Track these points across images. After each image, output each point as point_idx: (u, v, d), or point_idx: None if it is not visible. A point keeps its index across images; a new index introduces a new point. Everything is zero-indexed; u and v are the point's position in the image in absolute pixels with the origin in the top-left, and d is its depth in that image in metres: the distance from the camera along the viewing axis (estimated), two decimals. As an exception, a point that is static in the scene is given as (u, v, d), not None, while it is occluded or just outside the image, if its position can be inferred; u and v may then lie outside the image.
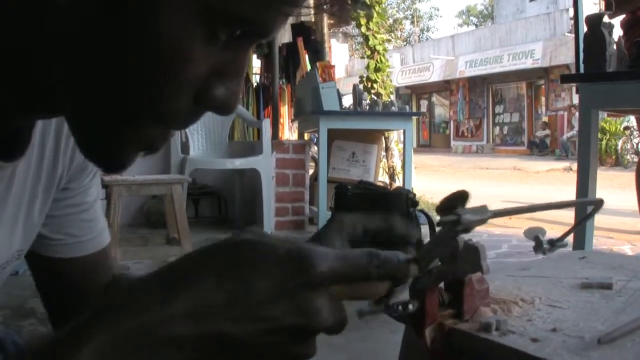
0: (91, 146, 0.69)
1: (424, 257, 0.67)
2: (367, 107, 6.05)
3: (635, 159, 19.48)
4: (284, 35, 8.55)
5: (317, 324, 0.59)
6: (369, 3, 8.04)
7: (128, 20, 0.58)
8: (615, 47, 3.16)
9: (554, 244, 0.84)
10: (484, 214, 0.66)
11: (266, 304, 0.58)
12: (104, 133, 0.66)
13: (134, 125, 0.65)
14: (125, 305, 0.57)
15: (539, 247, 0.85)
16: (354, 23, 8.74)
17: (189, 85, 0.63)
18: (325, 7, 0.67)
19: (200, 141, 6.01)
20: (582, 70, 3.26)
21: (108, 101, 0.63)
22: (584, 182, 3.19)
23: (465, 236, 0.71)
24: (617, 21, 3.73)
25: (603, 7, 3.40)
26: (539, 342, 0.71)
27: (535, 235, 0.84)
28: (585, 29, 3.19)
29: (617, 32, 3.21)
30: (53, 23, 0.60)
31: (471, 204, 0.66)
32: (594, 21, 3.12)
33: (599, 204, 0.87)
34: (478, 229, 0.76)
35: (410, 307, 0.68)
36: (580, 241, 3.12)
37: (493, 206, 0.67)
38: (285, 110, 8.95)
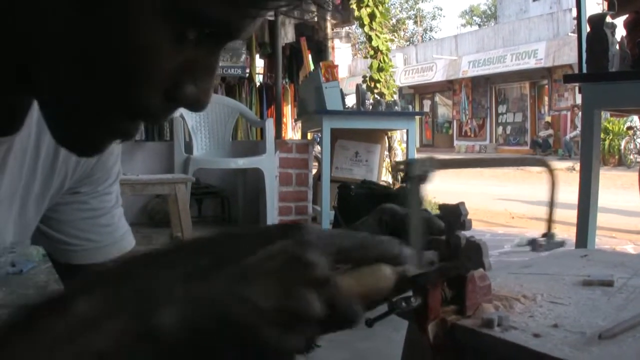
0: (65, 133, 0.71)
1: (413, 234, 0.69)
2: (370, 107, 6.06)
3: (639, 159, 19.47)
4: (287, 35, 8.55)
5: (306, 306, 0.55)
6: (357, 5, 8.05)
7: (99, 20, 0.61)
8: (617, 47, 3.16)
9: (548, 238, 0.85)
10: (433, 164, 0.69)
11: (259, 275, 0.56)
12: (78, 122, 0.68)
13: (107, 116, 0.67)
14: (125, 268, 0.59)
15: (534, 244, 0.85)
16: (357, 23, 8.74)
17: (158, 82, 0.65)
18: (295, 8, 0.67)
19: (204, 141, 6.02)
20: (584, 70, 3.27)
21: (82, 93, 0.65)
22: (587, 182, 3.20)
23: (467, 233, 0.72)
24: (620, 21, 3.73)
25: (606, 7, 3.40)
26: (540, 337, 0.71)
27: (530, 239, 0.84)
28: (588, 29, 3.19)
29: (620, 32, 3.22)
30: (30, 19, 0.63)
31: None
32: (597, 21, 3.12)
33: (542, 163, 0.88)
34: (480, 228, 0.77)
35: (413, 301, 0.68)
36: (583, 240, 3.12)
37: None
38: (288, 110, 8.96)
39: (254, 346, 0.54)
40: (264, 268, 0.55)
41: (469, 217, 0.75)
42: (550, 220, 0.84)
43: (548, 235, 0.83)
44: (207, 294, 0.53)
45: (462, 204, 0.72)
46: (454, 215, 0.73)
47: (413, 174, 0.69)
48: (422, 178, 0.69)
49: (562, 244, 0.91)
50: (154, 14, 0.61)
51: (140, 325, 0.51)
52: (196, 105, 0.69)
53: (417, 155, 6.41)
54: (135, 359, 0.51)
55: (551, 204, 0.84)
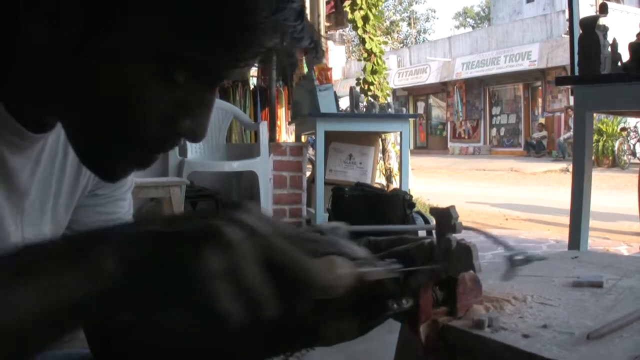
0: (82, 157, 0.78)
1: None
2: (364, 109, 6.08)
3: (633, 160, 19.52)
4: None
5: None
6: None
7: (93, 63, 0.68)
8: (609, 49, 3.18)
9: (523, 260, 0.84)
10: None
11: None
12: (93, 150, 0.75)
13: (114, 144, 0.74)
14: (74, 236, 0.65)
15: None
16: (350, 25, 8.75)
17: (153, 117, 0.71)
18: (284, 55, 0.72)
19: (198, 144, 6.02)
20: (577, 73, 3.29)
21: (92, 125, 0.72)
22: (579, 184, 3.22)
23: (458, 236, 0.73)
24: (617, 22, 3.75)
25: (598, 10, 3.42)
26: (529, 337, 0.73)
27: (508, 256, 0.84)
28: (580, 31, 3.21)
29: (612, 35, 3.24)
30: (35, 61, 0.71)
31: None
32: (589, 24, 3.14)
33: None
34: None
35: (405, 303, 0.70)
36: (576, 242, 3.14)
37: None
38: (282, 113, 8.95)
39: (179, 274, 0.55)
40: (176, 230, 0.58)
41: (461, 219, 0.76)
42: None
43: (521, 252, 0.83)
44: (139, 237, 0.58)
45: (453, 207, 0.74)
46: (445, 218, 0.74)
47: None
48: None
49: (542, 257, 0.91)
50: (140, 61, 0.67)
51: (86, 265, 0.56)
52: (192, 137, 0.74)
53: (410, 158, 6.42)
54: (79, 295, 0.55)
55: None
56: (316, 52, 0.75)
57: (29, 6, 0.66)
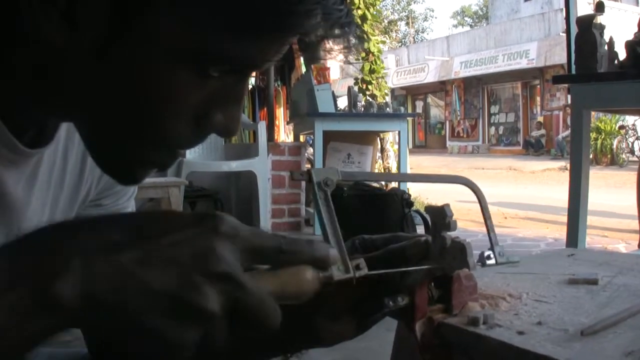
0: (103, 163, 0.75)
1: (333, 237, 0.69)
2: (362, 109, 6.09)
3: (631, 158, 19.54)
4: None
5: (201, 299, 0.53)
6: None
7: (119, 65, 0.64)
8: (606, 47, 3.19)
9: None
10: (336, 175, 0.71)
11: (165, 242, 0.55)
12: (113, 153, 0.72)
13: (139, 148, 0.70)
14: (33, 236, 0.56)
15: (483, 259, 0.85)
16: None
17: (185, 115, 0.67)
18: (309, 44, 0.69)
19: (196, 144, 6.02)
20: (574, 71, 3.30)
21: (113, 128, 0.69)
22: (577, 182, 3.22)
23: (452, 234, 0.74)
24: (613, 20, 3.76)
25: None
26: (524, 334, 0.73)
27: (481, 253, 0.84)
28: (577, 30, 3.22)
29: (609, 33, 3.24)
30: (53, 63, 0.66)
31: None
32: (585, 22, 3.15)
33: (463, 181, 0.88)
34: (472, 228, 0.79)
35: (400, 301, 0.70)
36: (573, 240, 3.15)
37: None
38: (280, 113, 8.96)
39: (142, 332, 0.53)
40: (168, 253, 0.54)
41: (459, 217, 0.76)
42: (491, 235, 0.86)
43: (496, 249, 0.83)
44: (106, 269, 0.52)
45: (447, 205, 0.74)
46: (440, 216, 0.74)
47: (317, 180, 0.71)
48: (327, 184, 0.71)
49: (516, 261, 0.91)
50: (174, 60, 0.63)
51: (37, 295, 0.51)
52: (226, 132, 0.71)
53: (409, 157, 6.43)
54: (34, 328, 0.51)
55: (487, 219, 0.86)
56: (360, 39, 0.72)
57: (44, 5, 0.61)
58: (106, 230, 0.56)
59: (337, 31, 0.68)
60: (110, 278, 0.52)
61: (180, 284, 0.53)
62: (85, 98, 0.67)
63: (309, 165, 6.56)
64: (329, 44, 0.70)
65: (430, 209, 0.77)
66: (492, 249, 0.81)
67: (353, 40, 0.70)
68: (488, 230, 0.84)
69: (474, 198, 0.84)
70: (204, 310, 0.53)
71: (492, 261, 0.81)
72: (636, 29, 3.47)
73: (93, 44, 0.63)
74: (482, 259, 0.80)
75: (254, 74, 9.35)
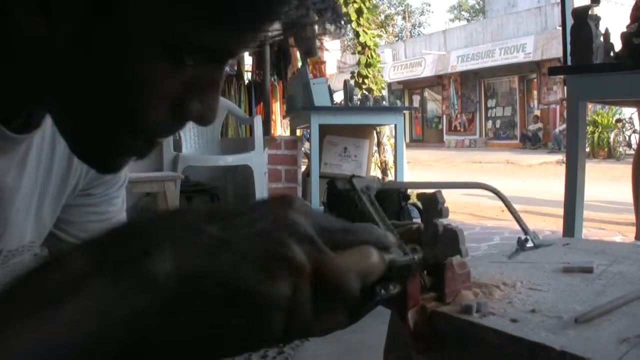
0: (80, 152, 0.74)
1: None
2: (358, 103, 6.08)
3: (628, 151, 19.56)
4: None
5: (292, 253, 0.54)
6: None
7: (96, 53, 0.64)
8: (602, 39, 3.19)
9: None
10: (377, 183, 0.72)
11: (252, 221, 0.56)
12: (90, 141, 0.72)
13: (117, 136, 0.70)
14: (116, 230, 0.56)
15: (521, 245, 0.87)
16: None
17: (162, 103, 0.67)
18: (287, 32, 0.69)
19: (193, 138, 6.02)
20: (569, 63, 3.29)
21: (90, 116, 0.68)
22: (573, 174, 3.22)
23: (445, 221, 0.73)
24: (609, 12, 3.75)
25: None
26: (517, 322, 0.73)
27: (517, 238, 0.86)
28: (573, 21, 3.21)
29: (604, 25, 3.24)
30: (30, 55, 0.67)
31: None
32: (581, 14, 3.14)
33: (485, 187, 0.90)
34: (470, 221, 0.78)
35: (392, 289, 0.69)
36: (570, 232, 3.15)
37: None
38: (277, 107, 8.95)
39: (242, 294, 0.53)
40: (253, 225, 0.55)
41: (457, 211, 0.76)
42: (522, 225, 0.87)
43: (529, 235, 0.85)
44: (196, 243, 0.53)
45: (439, 192, 0.73)
46: (432, 203, 0.74)
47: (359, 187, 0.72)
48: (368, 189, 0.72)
49: (550, 243, 0.93)
50: (150, 48, 0.63)
51: (133, 273, 0.51)
52: (202, 120, 0.71)
53: (406, 151, 6.43)
54: (132, 309, 0.50)
55: (516, 216, 0.87)
56: (339, 25, 0.71)
57: None
58: (186, 217, 0.56)
59: (314, 16, 0.67)
60: (202, 251, 0.53)
61: (269, 244, 0.54)
62: (63, 86, 0.67)
63: (305, 160, 6.55)
64: (310, 30, 0.70)
65: (422, 196, 0.76)
66: (527, 234, 0.82)
67: (330, 25, 0.70)
68: (518, 221, 0.86)
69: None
70: (294, 263, 0.54)
71: (530, 243, 0.83)
72: (628, 21, 3.47)
73: (70, 34, 0.63)
74: (521, 244, 0.81)
75: (249, 68, 9.34)
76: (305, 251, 0.55)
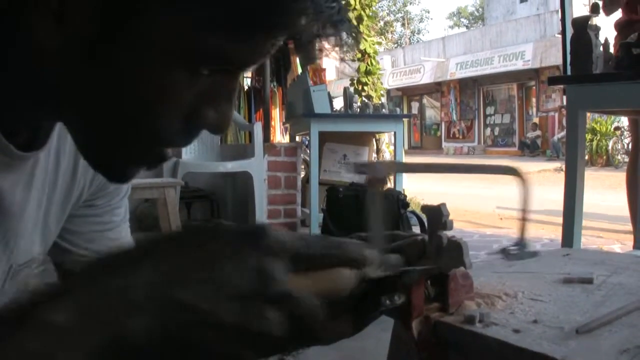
0: (95, 161, 0.75)
1: (376, 235, 0.72)
2: (358, 110, 6.08)
3: (626, 159, 19.55)
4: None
5: (274, 291, 0.57)
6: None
7: (112, 63, 0.64)
8: (601, 49, 3.20)
9: (520, 247, 0.87)
10: (393, 167, 0.73)
11: (226, 272, 0.56)
12: (104, 152, 0.72)
13: (131, 146, 0.71)
14: (98, 271, 0.57)
15: (506, 253, 0.88)
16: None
17: (177, 112, 0.68)
18: (301, 42, 0.69)
19: (193, 145, 6.01)
20: (569, 72, 3.31)
21: (105, 127, 0.69)
22: (572, 183, 3.23)
23: (449, 234, 0.75)
24: (609, 22, 3.77)
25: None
26: (520, 332, 0.74)
27: (501, 248, 0.87)
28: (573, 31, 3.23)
29: (604, 35, 3.26)
30: (46, 64, 0.66)
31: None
32: (580, 24, 3.16)
33: (513, 172, 0.90)
34: (468, 229, 0.79)
35: (397, 300, 0.71)
36: (569, 240, 3.15)
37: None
38: (276, 113, 8.96)
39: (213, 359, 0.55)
40: (230, 282, 0.56)
41: (455, 218, 0.77)
42: (522, 229, 0.87)
43: (520, 244, 0.85)
44: (170, 306, 0.54)
45: (444, 204, 0.75)
46: (436, 215, 0.75)
47: (373, 176, 0.72)
48: (381, 180, 0.73)
49: (534, 254, 0.94)
50: (167, 60, 0.64)
51: (113, 333, 0.52)
52: (217, 128, 0.71)
53: (404, 158, 6.44)
54: None
55: (524, 213, 0.87)
56: (354, 36, 0.72)
57: (38, 6, 0.62)
58: (167, 257, 0.57)
59: (329, 29, 0.68)
60: (176, 315, 0.54)
61: (245, 314, 0.55)
62: (78, 98, 0.68)
63: (305, 167, 6.56)
64: (322, 42, 0.70)
65: (426, 208, 0.78)
66: (517, 244, 0.83)
67: (346, 38, 0.71)
68: (522, 221, 0.87)
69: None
70: (269, 335, 0.56)
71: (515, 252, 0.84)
72: (614, 32, 3.50)
73: (84, 44, 0.63)
74: (506, 254, 0.82)
75: (248, 75, 9.35)
76: (279, 309, 0.57)
